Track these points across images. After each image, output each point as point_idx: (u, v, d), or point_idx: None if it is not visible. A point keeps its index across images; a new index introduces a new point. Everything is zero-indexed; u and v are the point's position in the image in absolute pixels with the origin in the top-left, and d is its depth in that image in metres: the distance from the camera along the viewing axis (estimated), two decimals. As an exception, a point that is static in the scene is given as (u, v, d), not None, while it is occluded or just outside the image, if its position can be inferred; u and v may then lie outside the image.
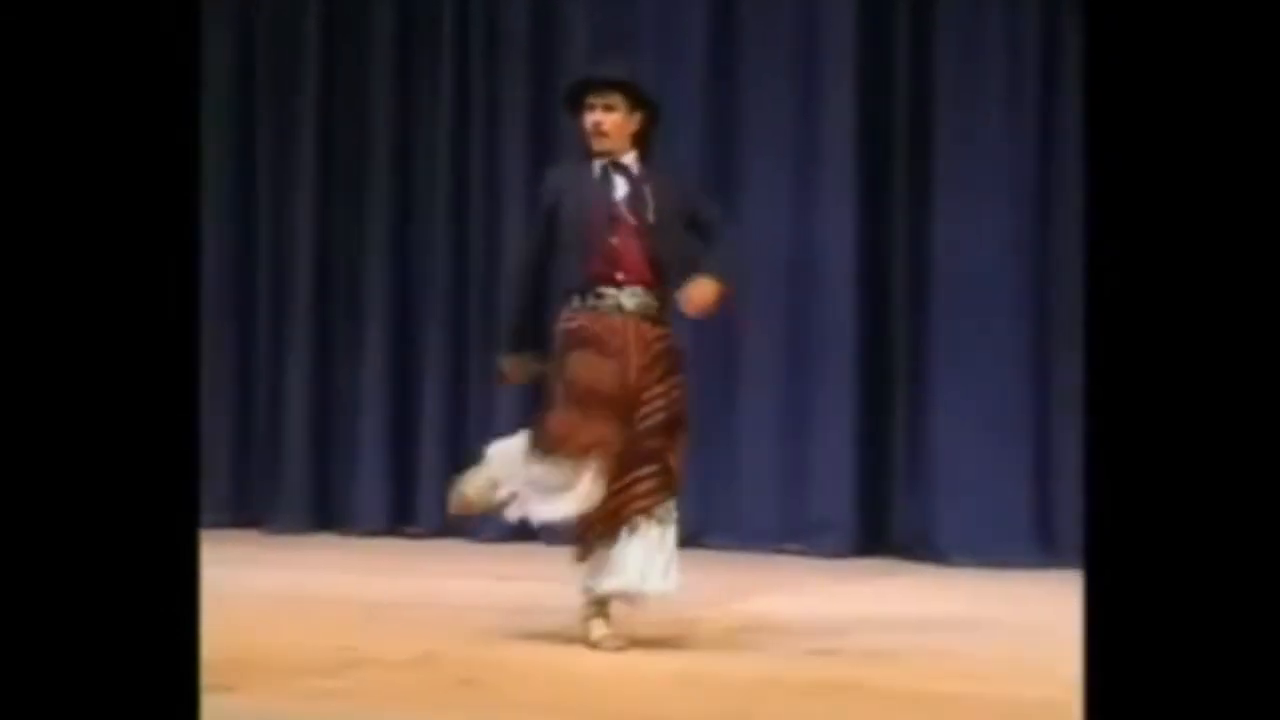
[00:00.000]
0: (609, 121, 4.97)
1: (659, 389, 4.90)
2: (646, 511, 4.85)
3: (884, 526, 7.79)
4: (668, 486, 4.90)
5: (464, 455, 8.44)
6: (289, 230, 8.82)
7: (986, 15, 7.67)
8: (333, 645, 4.75)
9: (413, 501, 8.58)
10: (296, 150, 8.81)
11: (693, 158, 7.64)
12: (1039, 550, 7.41)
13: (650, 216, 4.95)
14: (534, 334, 5.10)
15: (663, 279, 4.96)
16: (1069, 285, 7.52)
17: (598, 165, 5.02)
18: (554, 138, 8.41)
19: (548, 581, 6.70)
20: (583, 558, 4.92)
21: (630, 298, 4.91)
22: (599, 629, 4.91)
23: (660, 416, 4.88)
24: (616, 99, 4.99)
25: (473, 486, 5.07)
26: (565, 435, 4.80)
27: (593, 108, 4.99)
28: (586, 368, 4.86)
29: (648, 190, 4.98)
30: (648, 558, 4.83)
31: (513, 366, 5.17)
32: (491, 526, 8.33)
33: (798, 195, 7.86)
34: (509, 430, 8.22)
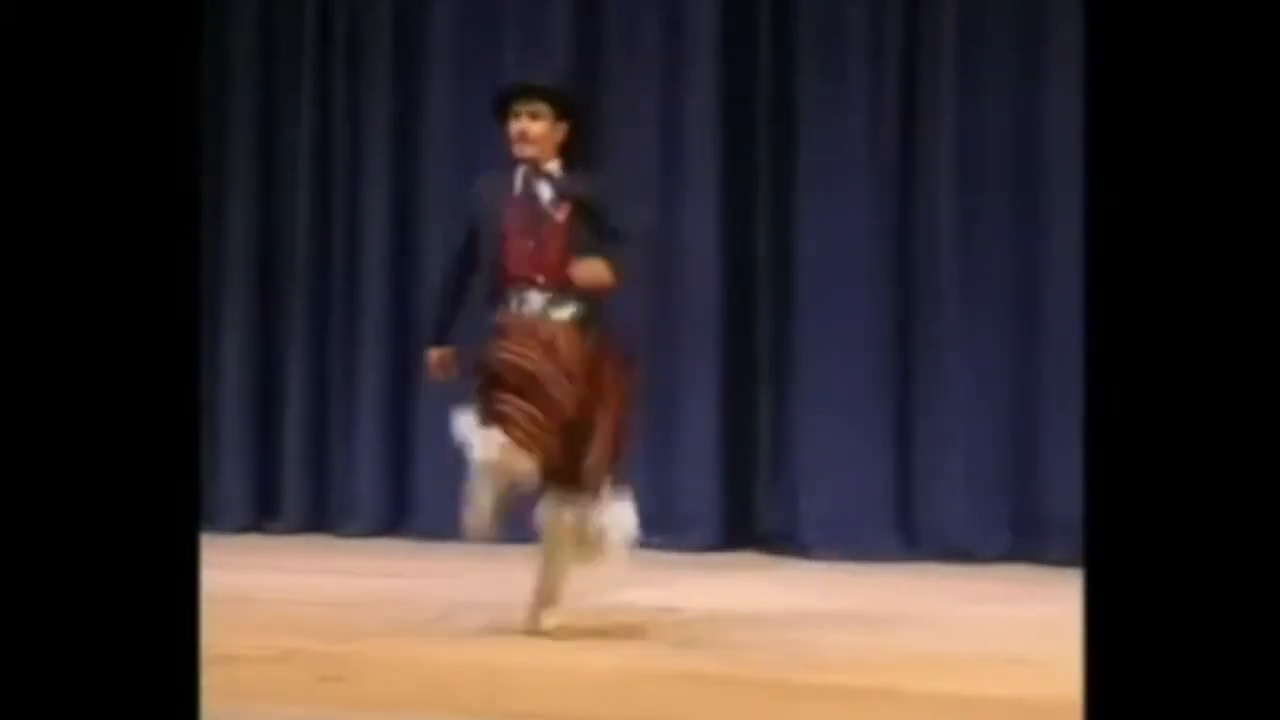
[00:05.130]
0: (534, 129, 5.06)
1: (582, 388, 4.93)
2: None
3: (748, 520, 7.83)
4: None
5: (325, 450, 8.48)
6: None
7: (848, 7, 7.73)
8: (193, 642, 4.69)
9: (276, 497, 8.50)
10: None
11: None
12: (900, 544, 7.49)
13: (565, 219, 5.03)
14: (454, 328, 5.21)
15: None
16: (931, 280, 7.62)
17: (519, 172, 5.10)
18: (418, 143, 8.39)
19: (411, 577, 6.69)
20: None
21: (548, 301, 5.00)
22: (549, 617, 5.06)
23: (594, 413, 4.95)
24: (542, 108, 5.08)
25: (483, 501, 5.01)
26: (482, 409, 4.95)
27: (518, 115, 5.07)
28: (506, 351, 4.95)
29: (567, 194, 5.06)
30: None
31: (437, 357, 5.21)
32: (356, 521, 8.31)
33: (661, 192, 7.86)
34: (370, 426, 8.32)
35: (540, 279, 5.01)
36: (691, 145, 7.92)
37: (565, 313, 5.01)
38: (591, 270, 4.96)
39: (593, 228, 5.08)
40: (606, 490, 5.01)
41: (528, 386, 4.87)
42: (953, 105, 7.58)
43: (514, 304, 5.03)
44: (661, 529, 7.75)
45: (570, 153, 5.15)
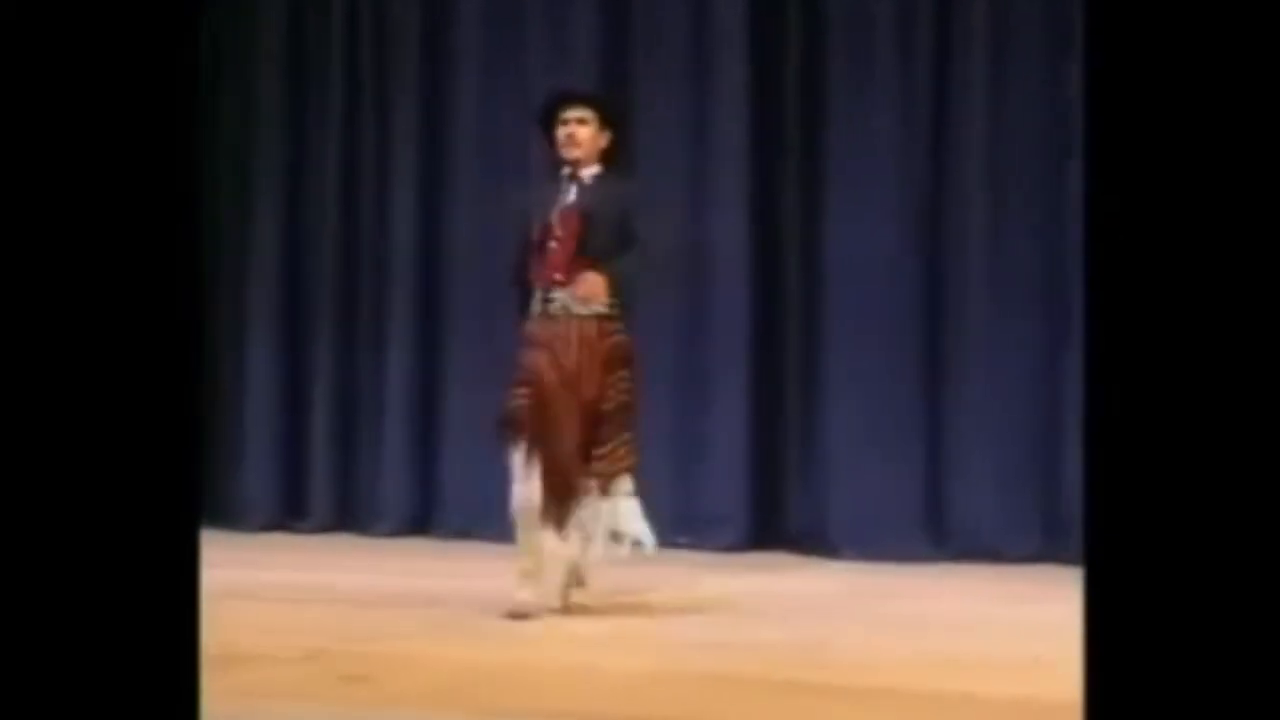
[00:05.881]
0: (581, 133, 5.37)
1: (604, 382, 5.23)
2: (600, 487, 5.24)
3: (776, 520, 7.82)
4: (617, 465, 5.25)
5: (352, 450, 8.49)
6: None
7: (878, 11, 7.71)
8: (219, 642, 4.66)
9: (303, 497, 8.52)
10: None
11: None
12: (928, 544, 7.47)
13: (595, 222, 5.29)
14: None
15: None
16: (960, 280, 7.60)
17: (561, 175, 5.39)
18: (444, 137, 8.40)
19: (437, 577, 6.70)
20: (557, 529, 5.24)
21: (572, 298, 5.24)
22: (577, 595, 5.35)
23: (607, 407, 5.23)
24: (589, 114, 5.40)
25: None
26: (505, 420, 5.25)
27: (567, 121, 5.38)
28: (532, 364, 5.23)
29: (597, 197, 5.33)
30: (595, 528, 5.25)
31: None
32: (383, 521, 8.32)
33: (690, 195, 7.86)
34: (397, 426, 8.32)
35: (566, 279, 5.25)
36: (720, 145, 7.91)
37: (589, 309, 5.24)
38: (588, 287, 5.21)
39: (612, 230, 5.30)
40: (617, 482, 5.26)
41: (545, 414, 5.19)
42: (981, 104, 7.56)
43: (542, 304, 5.28)
44: (689, 529, 7.77)
45: (611, 160, 5.44)
